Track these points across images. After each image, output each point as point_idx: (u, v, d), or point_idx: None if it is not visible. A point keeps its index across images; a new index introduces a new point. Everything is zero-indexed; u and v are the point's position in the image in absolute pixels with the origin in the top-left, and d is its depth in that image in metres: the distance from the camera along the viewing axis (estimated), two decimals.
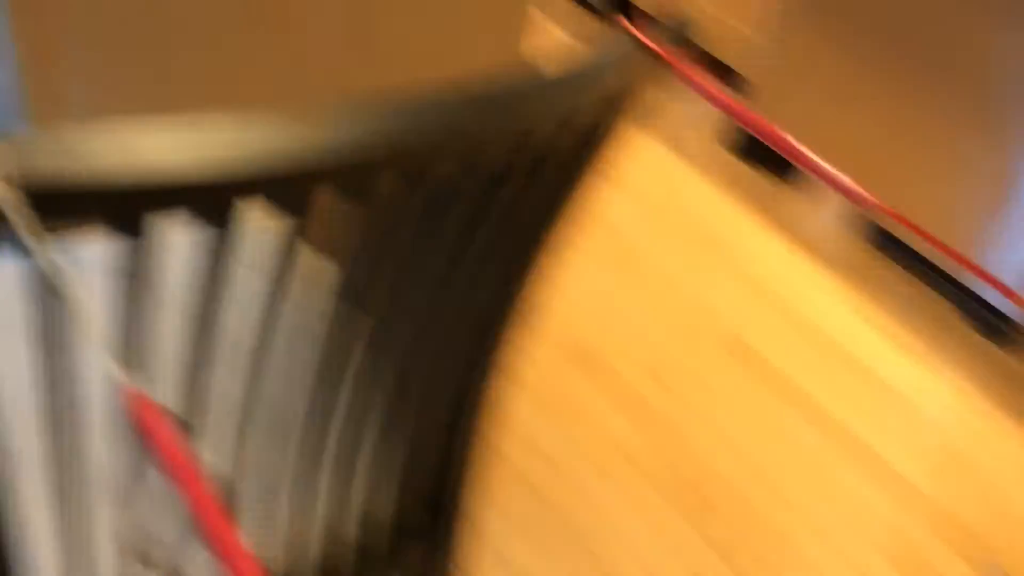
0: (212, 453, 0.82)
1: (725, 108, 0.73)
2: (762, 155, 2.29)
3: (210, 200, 0.46)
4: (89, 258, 0.98)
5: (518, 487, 1.51)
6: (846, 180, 0.58)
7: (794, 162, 0.74)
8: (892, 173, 2.06)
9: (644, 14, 2.66)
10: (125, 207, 0.43)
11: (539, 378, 1.70)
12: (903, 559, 1.54)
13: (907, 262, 2.14)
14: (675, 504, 1.54)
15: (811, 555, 1.52)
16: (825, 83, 2.12)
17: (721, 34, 2.43)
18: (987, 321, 1.99)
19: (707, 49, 2.48)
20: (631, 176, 2.22)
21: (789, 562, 1.49)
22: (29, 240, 0.40)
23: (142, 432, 0.32)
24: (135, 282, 0.48)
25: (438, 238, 0.62)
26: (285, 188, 0.49)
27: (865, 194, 0.58)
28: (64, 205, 0.42)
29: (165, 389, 0.88)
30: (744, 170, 2.31)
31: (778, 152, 0.72)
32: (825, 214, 2.24)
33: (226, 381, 0.90)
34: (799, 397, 1.78)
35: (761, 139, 0.72)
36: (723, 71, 2.48)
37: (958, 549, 1.57)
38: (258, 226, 0.57)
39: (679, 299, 1.93)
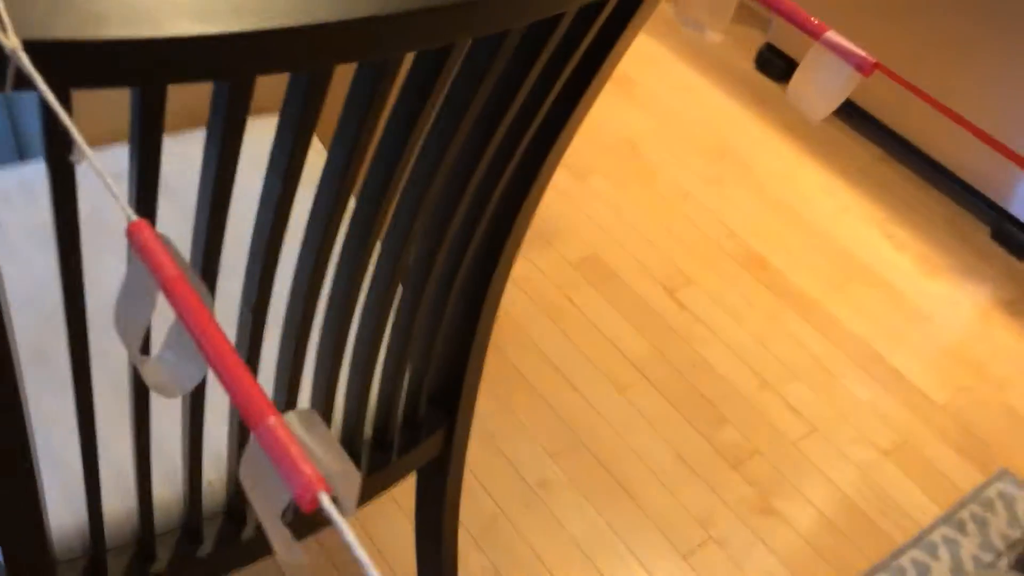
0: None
1: None
2: (782, 69, 2.26)
3: (220, 65, 0.46)
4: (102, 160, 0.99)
5: (529, 397, 1.53)
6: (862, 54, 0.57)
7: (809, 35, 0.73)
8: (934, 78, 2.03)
9: None
10: (135, 68, 0.44)
11: (552, 292, 1.71)
12: (910, 462, 1.55)
13: (932, 177, 2.12)
14: (688, 416, 1.56)
15: (820, 459, 1.54)
16: None
17: None
18: (1015, 238, 1.98)
19: None
20: (649, 91, 2.20)
21: (799, 468, 1.52)
22: (48, 93, 0.41)
23: (144, 258, 0.33)
24: (144, 173, 0.49)
25: (455, 128, 0.63)
26: (301, 58, 0.49)
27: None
28: (75, 65, 0.42)
29: None
30: (763, 84, 2.28)
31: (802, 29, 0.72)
32: (846, 128, 2.22)
33: (236, 276, 0.91)
34: (814, 310, 1.78)
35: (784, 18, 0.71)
36: None
37: (966, 453, 1.58)
38: (267, 117, 0.57)
39: (695, 214, 1.93)
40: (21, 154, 1.16)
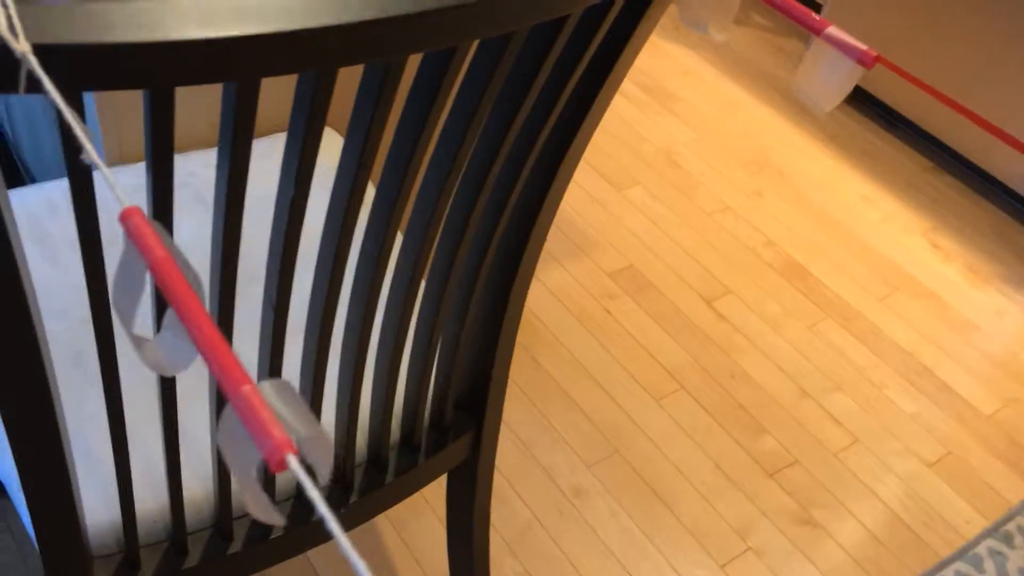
0: (252, 355, 0.86)
1: None
2: None
3: (224, 68, 0.49)
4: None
5: (564, 406, 1.54)
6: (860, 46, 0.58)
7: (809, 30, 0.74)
8: (969, 87, 2.01)
9: None
10: (142, 71, 0.46)
11: (588, 302, 1.72)
12: (956, 474, 1.52)
13: (979, 187, 2.08)
14: (726, 425, 1.55)
15: (862, 471, 1.52)
16: (896, 6, 2.06)
17: None
18: None
19: None
20: (689, 104, 2.20)
21: (840, 479, 1.50)
22: (55, 93, 0.43)
23: (135, 242, 0.35)
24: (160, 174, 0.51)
25: (468, 127, 0.64)
26: (303, 61, 0.51)
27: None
28: (84, 68, 0.45)
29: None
30: None
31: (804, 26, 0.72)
32: (890, 138, 2.19)
33: (258, 281, 0.94)
34: (856, 320, 1.76)
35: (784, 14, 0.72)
36: None
37: (1014, 465, 1.55)
38: (276, 123, 0.59)
39: (734, 225, 1.92)
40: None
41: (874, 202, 2.03)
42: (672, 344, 1.66)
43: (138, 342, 0.37)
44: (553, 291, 1.72)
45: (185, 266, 0.35)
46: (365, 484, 0.90)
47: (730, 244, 1.87)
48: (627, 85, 2.23)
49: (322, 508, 0.29)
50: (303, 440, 0.32)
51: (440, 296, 0.80)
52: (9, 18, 0.42)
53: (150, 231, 0.35)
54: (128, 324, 0.37)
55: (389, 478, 0.92)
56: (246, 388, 0.31)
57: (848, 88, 0.59)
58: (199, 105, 1.10)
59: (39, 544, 0.74)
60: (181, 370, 0.38)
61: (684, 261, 1.82)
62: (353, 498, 0.89)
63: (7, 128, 1.53)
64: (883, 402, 1.63)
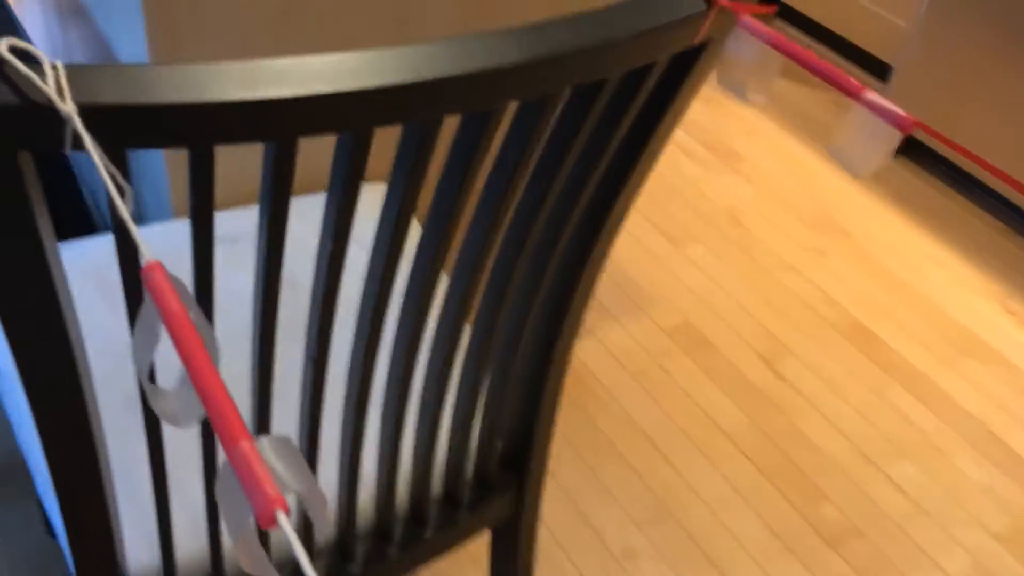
0: (291, 411, 0.87)
1: (786, 51, 0.72)
2: None
3: (263, 128, 0.50)
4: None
5: (617, 465, 1.52)
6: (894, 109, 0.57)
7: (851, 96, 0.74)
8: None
9: None
10: (183, 130, 0.48)
11: (644, 360, 1.70)
12: None
13: None
14: (784, 490, 1.52)
15: (927, 543, 1.46)
16: (966, 72, 2.03)
17: (868, 23, 2.38)
18: None
19: (853, 40, 2.43)
20: (754, 164, 2.19)
21: (904, 550, 1.45)
22: (97, 152, 0.45)
23: (154, 295, 0.36)
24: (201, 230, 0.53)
25: (510, 184, 0.65)
26: (342, 122, 0.53)
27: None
28: (128, 128, 0.47)
29: (232, 353, 0.94)
30: None
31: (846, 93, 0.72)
32: (960, 199, 2.15)
33: (298, 336, 0.95)
34: (922, 384, 1.72)
35: (822, 78, 0.73)
36: (868, 60, 2.43)
37: None
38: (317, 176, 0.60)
39: (796, 284, 1.89)
40: (136, 218, 1.24)
41: (943, 263, 1.98)
42: (729, 404, 1.64)
43: (153, 392, 0.38)
44: (608, 347, 1.71)
45: (200, 321, 0.35)
46: (405, 537, 0.90)
47: (791, 303, 1.85)
48: (691, 143, 2.23)
49: (306, 567, 0.29)
50: (301, 499, 0.33)
51: (483, 350, 0.80)
52: (58, 79, 0.44)
53: (169, 287, 0.36)
54: (144, 374, 0.38)
55: (429, 532, 0.91)
56: (243, 443, 0.32)
57: (886, 153, 0.58)
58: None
59: None
60: (191, 423, 0.39)
61: (743, 319, 1.80)
62: (392, 551, 0.89)
63: (82, 177, 1.59)
64: (950, 471, 1.58)
